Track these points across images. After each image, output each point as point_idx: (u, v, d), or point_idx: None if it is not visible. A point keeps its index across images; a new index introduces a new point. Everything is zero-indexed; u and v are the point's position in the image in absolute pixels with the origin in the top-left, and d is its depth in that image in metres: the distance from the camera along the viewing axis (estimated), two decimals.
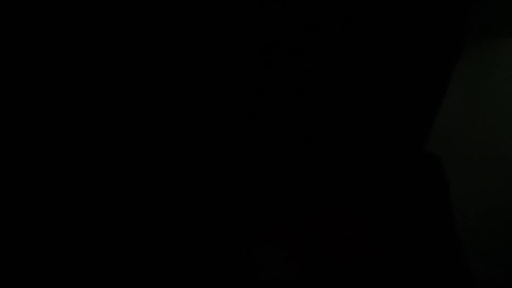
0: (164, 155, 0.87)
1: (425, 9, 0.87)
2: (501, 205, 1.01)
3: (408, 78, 0.92)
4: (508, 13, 1.06)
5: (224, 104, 0.87)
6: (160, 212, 0.86)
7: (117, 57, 0.84)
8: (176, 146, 0.87)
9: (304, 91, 0.89)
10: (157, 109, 0.86)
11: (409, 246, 0.91)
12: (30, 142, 0.84)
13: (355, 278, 0.87)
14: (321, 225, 0.90)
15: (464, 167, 1.03)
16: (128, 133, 0.86)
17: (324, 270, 0.87)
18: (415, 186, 0.94)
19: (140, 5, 0.82)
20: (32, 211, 0.83)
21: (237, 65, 0.86)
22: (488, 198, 1.02)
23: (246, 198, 0.87)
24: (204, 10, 0.84)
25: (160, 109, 0.86)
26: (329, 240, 0.89)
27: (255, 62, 0.86)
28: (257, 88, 0.88)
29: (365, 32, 0.87)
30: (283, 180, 0.89)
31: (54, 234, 0.83)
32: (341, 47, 0.87)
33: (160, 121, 0.86)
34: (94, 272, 0.82)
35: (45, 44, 0.83)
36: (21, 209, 0.83)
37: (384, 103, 0.92)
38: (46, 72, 0.84)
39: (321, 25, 0.85)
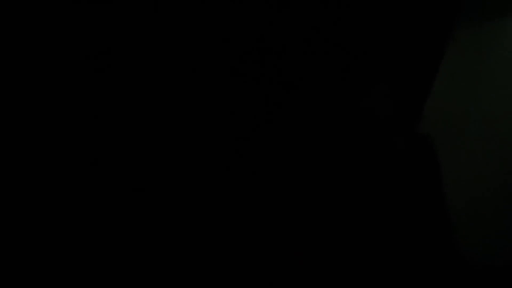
0: (163, 158, 0.87)
1: None
2: (494, 187, 1.02)
3: (399, 59, 0.92)
4: None
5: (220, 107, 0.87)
6: (161, 212, 0.87)
7: (116, 58, 0.84)
8: (175, 149, 0.87)
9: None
10: (158, 110, 0.86)
11: (401, 226, 0.92)
12: (30, 142, 0.84)
13: (349, 257, 0.89)
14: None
15: (456, 148, 1.04)
16: (129, 134, 0.86)
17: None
18: (407, 166, 0.95)
19: (140, 7, 0.82)
20: (32, 211, 0.84)
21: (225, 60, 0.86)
22: (480, 181, 1.03)
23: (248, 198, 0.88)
24: (205, 11, 0.83)
25: (161, 110, 0.86)
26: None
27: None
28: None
29: (358, 15, 0.87)
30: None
31: (54, 234, 0.84)
32: (327, 20, 0.86)
33: (160, 122, 0.86)
34: (94, 272, 0.83)
35: (45, 45, 0.83)
36: (21, 209, 0.84)
37: (376, 85, 0.92)
38: (46, 73, 0.84)
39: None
